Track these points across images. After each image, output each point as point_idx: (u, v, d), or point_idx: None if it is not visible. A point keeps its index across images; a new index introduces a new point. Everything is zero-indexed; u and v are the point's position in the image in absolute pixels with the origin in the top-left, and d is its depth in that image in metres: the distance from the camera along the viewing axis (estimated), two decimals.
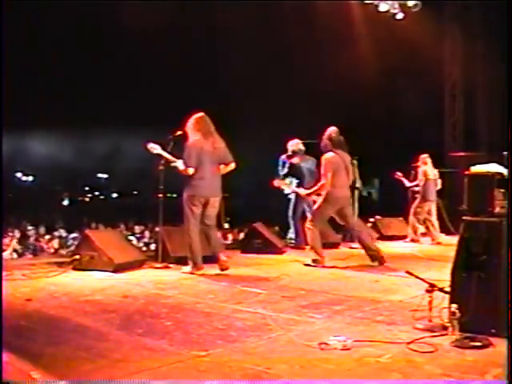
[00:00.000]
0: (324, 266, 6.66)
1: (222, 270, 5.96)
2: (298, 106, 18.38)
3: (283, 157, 8.66)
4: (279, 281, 5.51)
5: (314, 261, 6.73)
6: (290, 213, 8.58)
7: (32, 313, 4.01)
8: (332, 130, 6.93)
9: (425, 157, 9.92)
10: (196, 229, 5.94)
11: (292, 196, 8.59)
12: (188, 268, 5.94)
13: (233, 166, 6.18)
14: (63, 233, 13.14)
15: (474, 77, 13.84)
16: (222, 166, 6.12)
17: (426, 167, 9.86)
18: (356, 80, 14.52)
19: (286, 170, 8.55)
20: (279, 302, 4.55)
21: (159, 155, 6.10)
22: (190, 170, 5.88)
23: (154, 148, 6.08)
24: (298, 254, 7.61)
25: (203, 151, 5.91)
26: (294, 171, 8.50)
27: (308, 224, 6.90)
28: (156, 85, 20.57)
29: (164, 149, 6.12)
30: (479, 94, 13.95)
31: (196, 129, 6.01)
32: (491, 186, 3.67)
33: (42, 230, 13.24)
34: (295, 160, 8.54)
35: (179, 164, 5.94)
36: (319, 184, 6.91)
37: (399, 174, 10.09)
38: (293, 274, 5.95)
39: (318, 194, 7.00)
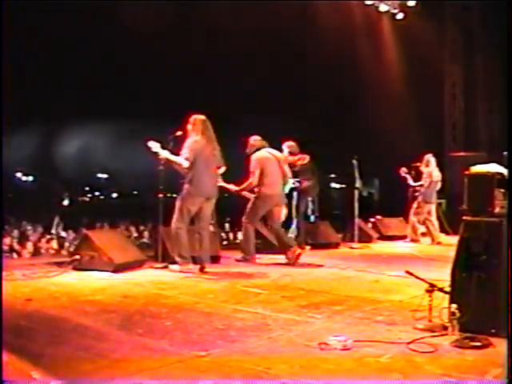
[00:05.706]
0: (254, 263, 6.84)
1: (201, 270, 6.04)
2: (297, 106, 18.40)
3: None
4: (279, 281, 5.51)
5: (243, 258, 6.93)
6: (293, 211, 8.57)
7: (32, 313, 4.01)
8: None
9: (428, 157, 9.79)
10: (185, 227, 6.07)
11: (294, 193, 8.57)
12: (176, 267, 5.99)
13: (223, 169, 6.49)
14: (63, 233, 13.09)
15: (474, 77, 13.85)
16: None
17: (431, 168, 9.75)
18: (354, 80, 14.52)
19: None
20: (279, 301, 4.56)
21: (157, 153, 6.12)
22: (185, 163, 5.96)
23: (154, 146, 6.11)
24: None
25: (204, 154, 6.06)
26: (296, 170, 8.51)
27: (244, 220, 7.05)
28: (156, 84, 20.55)
29: (164, 147, 6.15)
30: (479, 94, 13.95)
31: (200, 131, 6.11)
32: (491, 186, 3.67)
33: (40, 230, 13.18)
34: (305, 161, 8.49)
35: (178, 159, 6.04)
36: (248, 182, 7.01)
37: (405, 169, 9.96)
38: (293, 273, 5.95)
39: (252, 192, 7.09)
